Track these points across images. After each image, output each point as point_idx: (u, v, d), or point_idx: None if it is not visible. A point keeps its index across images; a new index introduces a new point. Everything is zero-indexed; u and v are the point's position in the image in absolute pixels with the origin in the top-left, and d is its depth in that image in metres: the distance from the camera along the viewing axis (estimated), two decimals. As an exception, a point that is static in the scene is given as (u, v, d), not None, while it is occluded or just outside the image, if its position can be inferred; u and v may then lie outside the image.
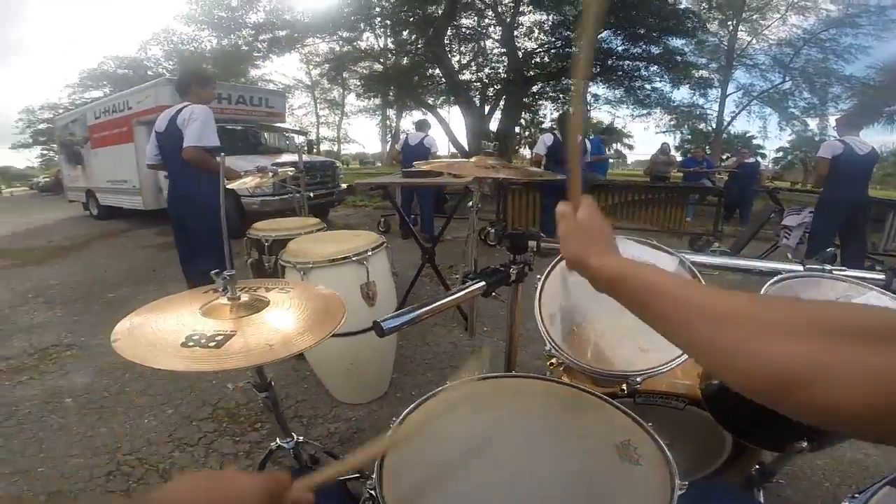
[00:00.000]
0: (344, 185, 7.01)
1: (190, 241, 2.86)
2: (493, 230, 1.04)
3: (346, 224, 7.35)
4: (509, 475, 0.68)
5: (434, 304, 0.88)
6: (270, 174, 2.95)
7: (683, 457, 0.89)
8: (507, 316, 1.24)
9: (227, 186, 2.60)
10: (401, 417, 0.80)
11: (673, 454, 0.68)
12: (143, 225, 7.53)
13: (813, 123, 16.72)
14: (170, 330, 0.75)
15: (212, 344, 0.69)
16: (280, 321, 0.74)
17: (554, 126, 5.19)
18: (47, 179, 20.62)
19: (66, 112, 11.80)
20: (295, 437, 1.31)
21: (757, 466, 0.98)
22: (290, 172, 2.96)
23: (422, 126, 5.94)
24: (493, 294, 0.98)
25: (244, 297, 0.79)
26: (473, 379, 0.87)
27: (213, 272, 0.77)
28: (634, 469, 0.66)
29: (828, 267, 0.87)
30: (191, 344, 0.70)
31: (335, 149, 28.51)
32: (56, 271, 4.72)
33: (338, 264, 1.78)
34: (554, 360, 0.84)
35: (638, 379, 0.79)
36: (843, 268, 0.87)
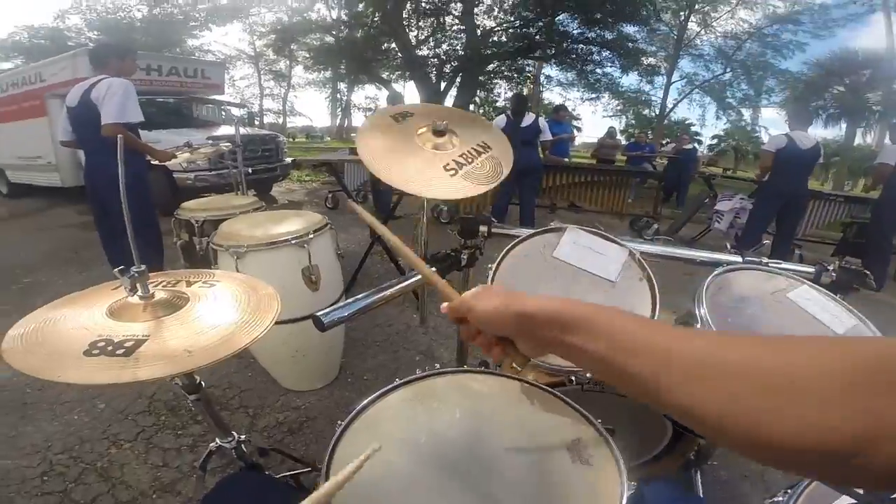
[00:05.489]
0: (288, 160, 6.70)
1: (111, 222, 2.64)
2: (445, 208, 1.01)
3: (291, 200, 7.04)
4: (461, 478, 0.65)
5: (380, 294, 0.83)
6: (208, 149, 2.79)
7: (627, 441, 0.91)
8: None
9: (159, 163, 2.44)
10: (352, 415, 0.76)
11: (617, 440, 0.69)
12: (62, 203, 6.80)
13: (747, 114, 18.05)
14: (71, 335, 0.64)
15: (120, 351, 0.60)
16: (202, 321, 0.66)
17: (507, 106, 5.17)
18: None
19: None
20: (235, 435, 1.23)
21: (695, 450, 1.03)
22: (224, 147, 2.77)
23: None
24: (445, 279, 0.95)
25: (160, 295, 0.69)
26: (426, 375, 0.84)
27: (116, 269, 0.67)
28: (585, 470, 0.65)
29: (765, 260, 0.91)
30: (95, 352, 0.60)
31: (280, 122, 27.17)
32: (-39, 255, 4.17)
33: (276, 248, 1.67)
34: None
35: (588, 374, 0.78)
36: (779, 261, 0.91)
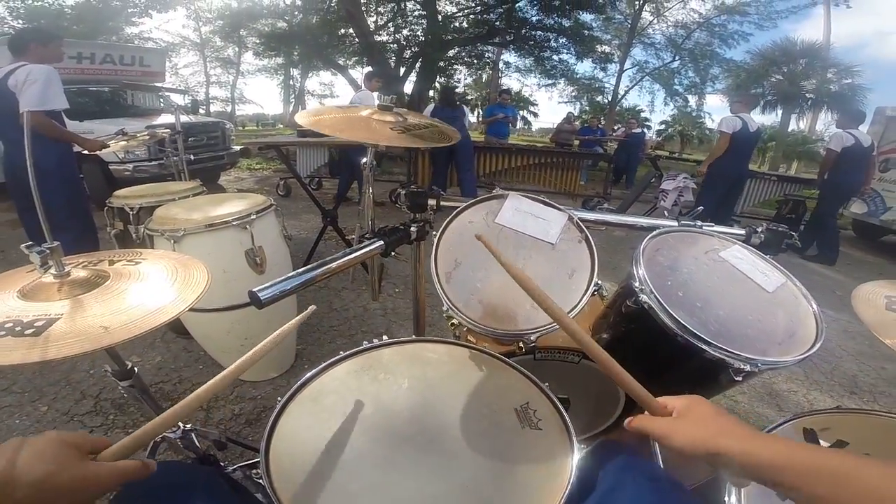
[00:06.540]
0: (236, 148, 6.46)
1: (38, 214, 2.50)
2: (404, 192, 0.99)
3: (240, 189, 6.78)
4: (411, 449, 0.64)
5: (324, 268, 0.80)
6: (145, 136, 2.64)
7: (582, 411, 0.92)
8: (411, 276, 1.20)
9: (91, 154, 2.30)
10: (295, 387, 0.74)
11: (571, 410, 0.70)
12: (-18, 201, 6.22)
13: (692, 100, 18.99)
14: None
15: (29, 332, 0.55)
16: (123, 299, 0.61)
17: (434, 97, 5.58)
18: None
19: None
20: (181, 425, 1.17)
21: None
22: (164, 134, 2.64)
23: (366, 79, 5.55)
24: (394, 253, 0.94)
25: (78, 273, 0.64)
26: (373, 346, 0.83)
27: (23, 245, 0.61)
28: (536, 434, 0.66)
29: (699, 223, 0.95)
30: (1, 333, 0.55)
31: (228, 110, 26.02)
32: None
33: (215, 230, 1.59)
34: (455, 320, 0.83)
35: (532, 337, 0.80)
36: (712, 224, 0.96)
